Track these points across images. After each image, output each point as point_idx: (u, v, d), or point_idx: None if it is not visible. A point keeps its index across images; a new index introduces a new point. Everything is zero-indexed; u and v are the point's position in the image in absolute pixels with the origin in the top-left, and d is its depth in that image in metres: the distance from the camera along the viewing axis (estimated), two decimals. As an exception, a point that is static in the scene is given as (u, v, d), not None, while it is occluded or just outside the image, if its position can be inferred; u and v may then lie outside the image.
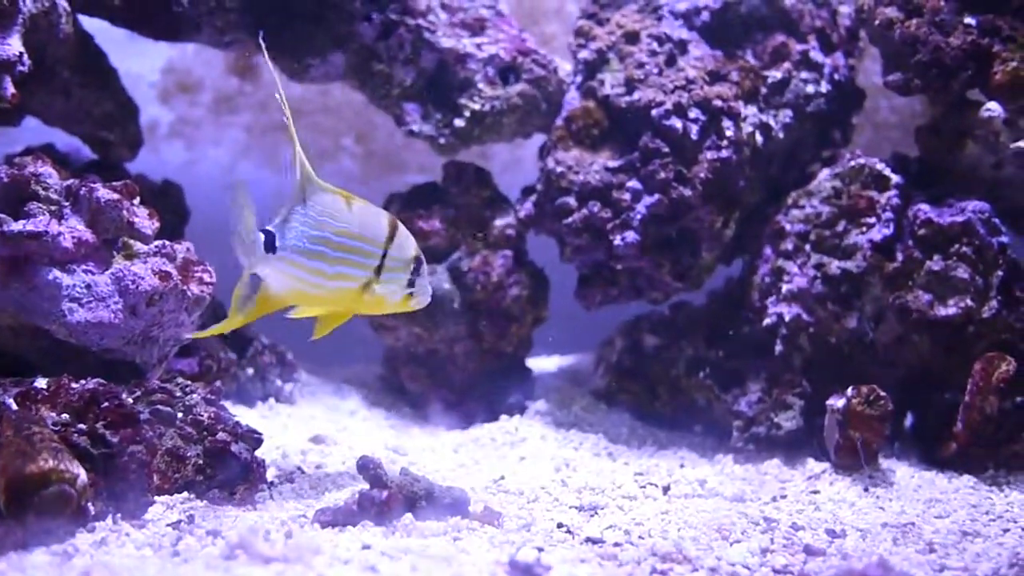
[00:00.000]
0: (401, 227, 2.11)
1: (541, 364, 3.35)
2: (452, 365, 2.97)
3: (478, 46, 2.91)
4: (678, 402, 2.92)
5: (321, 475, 2.38)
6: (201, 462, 2.18)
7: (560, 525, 2.11)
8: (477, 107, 2.86)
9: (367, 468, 2.12)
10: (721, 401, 2.78)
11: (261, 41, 2.08)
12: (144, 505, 2.05)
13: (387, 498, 2.03)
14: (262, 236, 2.09)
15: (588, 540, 2.02)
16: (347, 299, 2.13)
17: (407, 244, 2.10)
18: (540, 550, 1.93)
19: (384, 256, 2.08)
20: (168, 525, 1.96)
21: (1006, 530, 2.15)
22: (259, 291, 2.15)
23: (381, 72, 2.83)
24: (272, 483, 2.29)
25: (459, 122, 2.86)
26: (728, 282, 2.97)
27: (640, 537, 2.04)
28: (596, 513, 2.22)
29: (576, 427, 2.86)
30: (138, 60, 3.37)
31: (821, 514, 2.25)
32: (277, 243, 2.09)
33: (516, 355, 3.02)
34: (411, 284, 2.10)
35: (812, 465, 2.61)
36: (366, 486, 2.09)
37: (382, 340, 3.05)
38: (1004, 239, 2.65)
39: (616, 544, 2.00)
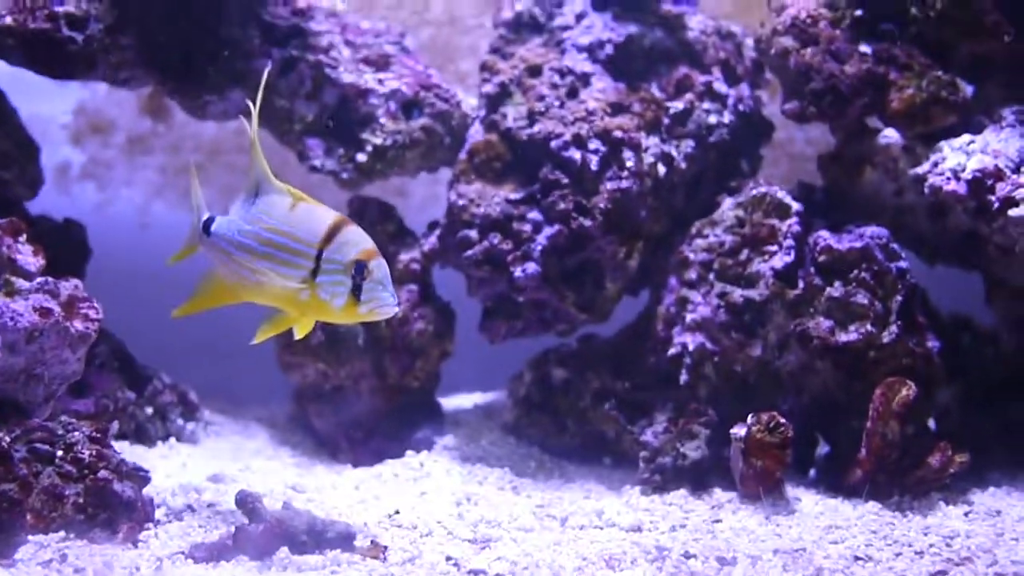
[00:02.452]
0: (348, 230, 2.02)
1: (457, 402, 3.31)
2: (358, 402, 2.93)
3: (380, 81, 2.90)
4: (586, 434, 2.89)
5: (212, 514, 2.33)
6: (82, 501, 2.13)
7: (448, 558, 2.07)
8: (379, 141, 2.85)
9: (245, 503, 2.08)
10: (628, 432, 2.75)
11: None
12: (16, 545, 2.00)
13: (263, 532, 1.99)
14: (206, 215, 2.21)
15: (471, 572, 1.99)
16: (286, 299, 2.07)
17: (348, 247, 2.00)
18: (417, 582, 1.91)
19: (319, 258, 2.01)
20: (38, 564, 1.91)
21: (898, 554, 2.13)
22: (211, 276, 2.20)
23: (282, 108, 2.82)
24: (159, 521, 2.23)
25: (361, 157, 2.85)
26: (639, 314, 2.95)
27: (525, 568, 2.01)
28: (488, 546, 2.18)
29: (483, 461, 2.82)
30: (49, 102, 3.36)
31: (716, 542, 2.22)
32: (213, 227, 2.17)
33: (424, 390, 2.98)
34: (357, 290, 2.00)
35: (719, 495, 2.58)
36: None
37: (290, 378, 3.01)
38: (903, 264, 2.64)
39: (498, 575, 1.96)
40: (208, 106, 2.78)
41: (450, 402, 3.26)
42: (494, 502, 2.50)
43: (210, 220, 2.19)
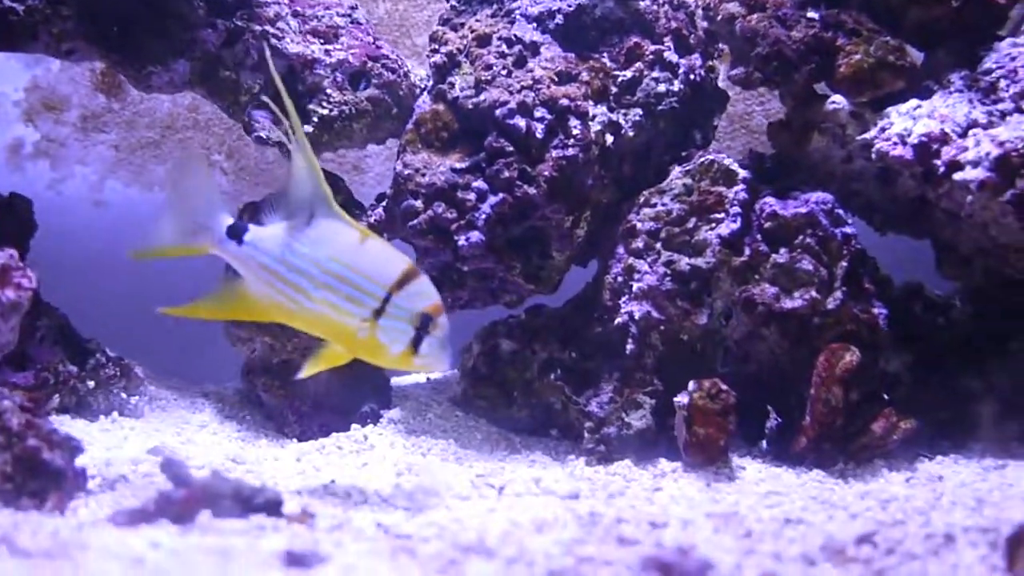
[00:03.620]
0: (422, 279, 2.03)
1: (411, 379, 3.28)
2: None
3: (327, 52, 2.87)
4: (534, 406, 2.86)
5: (147, 484, 2.31)
6: (9, 470, 2.11)
7: (379, 525, 2.05)
8: (325, 112, 2.83)
9: (169, 467, 2.06)
10: (574, 403, 2.73)
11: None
12: (-63, 513, 1.99)
13: (185, 496, 1.97)
14: (229, 220, 2.09)
15: (397, 536, 1.97)
16: (339, 333, 2.06)
17: (419, 297, 2.02)
18: (339, 545, 1.89)
19: (387, 300, 2.01)
20: (-41, 532, 1.89)
21: (831, 517, 2.10)
22: (236, 289, 2.12)
23: (228, 79, 2.79)
24: (91, 492, 2.21)
25: (307, 128, 2.82)
26: (587, 284, 2.93)
27: (452, 532, 1.98)
28: (421, 513, 2.16)
29: (428, 434, 2.79)
30: (2, 79, 3.34)
31: (652, 508, 2.20)
32: (247, 236, 2.07)
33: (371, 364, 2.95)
34: (417, 341, 2.02)
35: (664, 465, 2.56)
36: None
37: (240, 352, 2.98)
38: (848, 230, 2.62)
39: (423, 539, 1.94)
40: (152, 77, 2.75)
41: (404, 379, 3.24)
42: (435, 472, 2.48)
43: (242, 227, 2.09)
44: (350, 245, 2.05)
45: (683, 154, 2.88)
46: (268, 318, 2.16)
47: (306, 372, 2.13)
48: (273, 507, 2.06)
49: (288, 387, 2.90)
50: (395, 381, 3.12)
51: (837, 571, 1.77)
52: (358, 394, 2.91)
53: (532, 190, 2.68)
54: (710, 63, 3.04)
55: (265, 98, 2.13)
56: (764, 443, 2.74)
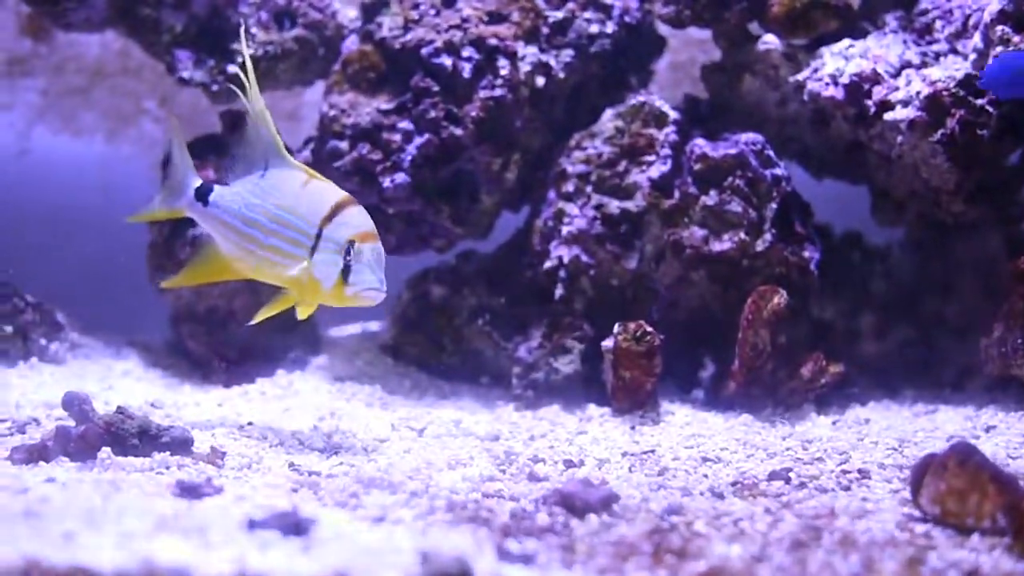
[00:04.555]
0: (352, 209, 1.98)
1: (346, 330, 3.21)
2: (233, 322, 2.85)
3: (252, -10, 2.81)
4: (464, 352, 2.81)
5: (59, 426, 2.25)
6: (-91, 409, 2.06)
7: (291, 465, 2.00)
8: (250, 52, 2.76)
9: (72, 405, 2.01)
10: (504, 349, 2.69)
11: None
12: None
13: (84, 432, 1.91)
14: (198, 182, 2.12)
15: (306, 473, 1.92)
16: (287, 278, 2.03)
17: (345, 227, 1.96)
18: (240, 480, 1.85)
19: (319, 236, 1.97)
20: None
21: (750, 455, 2.08)
22: (210, 251, 2.14)
23: (148, 17, 2.72)
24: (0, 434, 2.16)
25: (232, 68, 2.76)
26: (518, 229, 2.88)
27: (362, 470, 1.94)
28: (336, 454, 2.11)
29: (355, 380, 2.74)
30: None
31: (571, 448, 2.17)
32: (211, 197, 2.09)
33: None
34: (347, 272, 1.95)
35: (592, 410, 2.52)
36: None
37: (165, 300, 2.92)
38: (778, 171, 2.58)
39: (330, 476, 1.90)
40: (69, 13, 2.67)
41: (339, 331, 3.18)
42: (357, 417, 2.43)
43: (207, 188, 2.10)
44: (293, 189, 2.02)
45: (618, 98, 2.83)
46: (239, 275, 2.14)
47: (259, 317, 2.10)
48: (181, 446, 2.01)
49: (214, 334, 2.85)
50: (333, 335, 3.08)
51: (744, 504, 1.74)
52: (287, 341, 2.86)
53: (459, 131, 2.63)
54: (647, 6, 2.98)
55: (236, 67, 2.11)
56: (700, 392, 2.71)
